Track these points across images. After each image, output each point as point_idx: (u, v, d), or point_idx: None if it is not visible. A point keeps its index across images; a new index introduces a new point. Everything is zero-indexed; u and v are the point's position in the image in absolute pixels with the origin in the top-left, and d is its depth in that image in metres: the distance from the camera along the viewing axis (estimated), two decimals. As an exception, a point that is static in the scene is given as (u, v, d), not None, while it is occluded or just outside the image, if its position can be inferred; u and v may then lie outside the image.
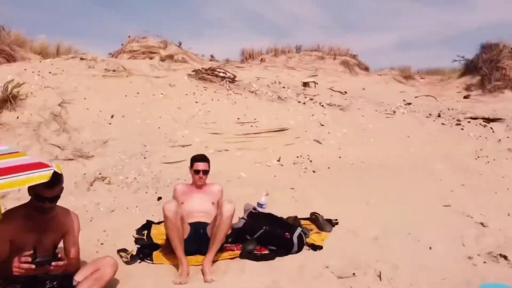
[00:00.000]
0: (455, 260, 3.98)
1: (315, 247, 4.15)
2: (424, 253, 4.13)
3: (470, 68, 14.80)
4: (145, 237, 4.25)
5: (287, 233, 4.05)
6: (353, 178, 6.37)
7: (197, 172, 4.21)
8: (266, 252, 4.00)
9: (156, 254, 3.95)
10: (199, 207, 4.13)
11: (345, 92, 12.13)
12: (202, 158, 4.33)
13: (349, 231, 4.62)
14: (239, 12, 50.68)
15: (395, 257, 3.94)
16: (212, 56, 17.51)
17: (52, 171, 2.65)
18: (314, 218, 4.80)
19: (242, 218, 4.24)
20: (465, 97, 12.71)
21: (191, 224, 3.96)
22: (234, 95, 9.08)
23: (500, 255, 4.05)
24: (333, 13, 49.75)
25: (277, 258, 3.88)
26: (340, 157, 7.04)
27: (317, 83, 13.19)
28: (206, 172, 4.25)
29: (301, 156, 6.90)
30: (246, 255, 3.87)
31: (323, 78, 15.00)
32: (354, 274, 3.57)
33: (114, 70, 9.23)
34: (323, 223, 4.70)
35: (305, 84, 12.37)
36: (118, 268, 3.21)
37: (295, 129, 7.81)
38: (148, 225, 4.49)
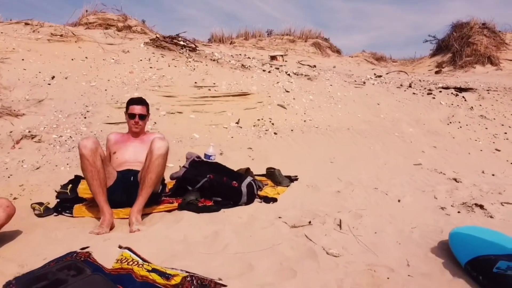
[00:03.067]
0: (426, 210, 3.53)
1: (268, 200, 3.59)
2: (392, 205, 3.67)
3: (441, 47, 14.59)
4: (68, 191, 3.55)
5: (234, 182, 3.45)
6: (317, 140, 5.85)
7: (132, 116, 3.56)
8: (211, 204, 3.40)
9: (77, 207, 3.30)
10: (134, 157, 3.48)
11: (314, 65, 11.60)
12: (139, 100, 3.68)
13: (310, 186, 4.08)
14: (211, 11, 50.00)
15: (359, 208, 3.44)
16: (177, 35, 16.64)
17: None
18: (270, 173, 4.22)
19: (184, 166, 3.61)
20: (437, 72, 12.41)
21: (120, 172, 3.33)
22: (193, 63, 8.37)
23: (476, 204, 3.61)
24: (307, 14, 49.67)
25: (223, 210, 3.29)
26: (304, 121, 6.50)
27: (286, 61, 12.63)
28: (142, 117, 3.60)
29: (262, 119, 6.31)
30: (186, 205, 3.26)
31: (293, 58, 14.43)
32: (310, 222, 3.02)
33: (61, 35, 8.37)
34: (280, 178, 4.13)
35: (273, 58, 11.76)
36: (14, 212, 2.57)
37: (258, 95, 7.19)
38: (75, 180, 3.78)
